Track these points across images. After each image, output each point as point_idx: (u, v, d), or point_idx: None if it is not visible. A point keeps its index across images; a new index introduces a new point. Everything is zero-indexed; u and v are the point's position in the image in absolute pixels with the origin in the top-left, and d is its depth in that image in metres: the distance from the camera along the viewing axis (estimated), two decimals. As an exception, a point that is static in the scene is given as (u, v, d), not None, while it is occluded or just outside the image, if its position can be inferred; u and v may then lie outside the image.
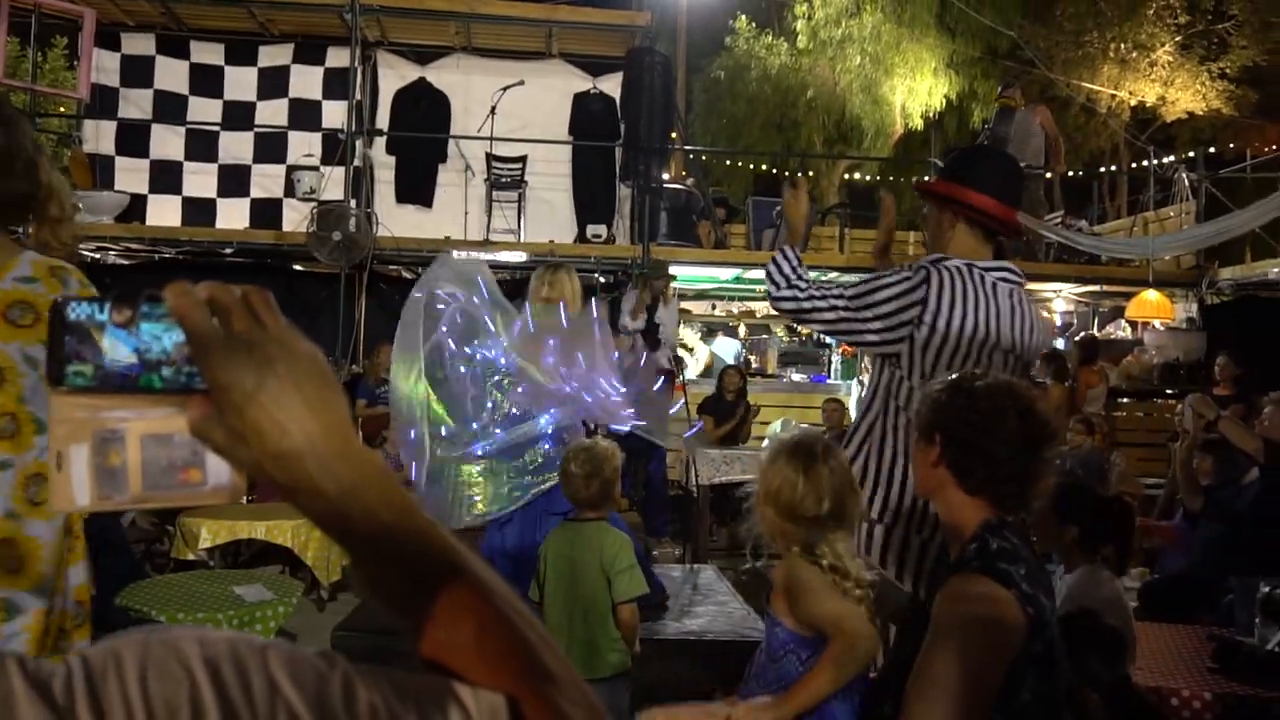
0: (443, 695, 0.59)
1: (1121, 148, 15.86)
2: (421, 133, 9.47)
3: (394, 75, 9.77)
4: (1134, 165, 14.60)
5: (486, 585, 0.64)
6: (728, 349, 12.72)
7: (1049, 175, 10.21)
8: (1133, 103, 14.93)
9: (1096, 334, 10.73)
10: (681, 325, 10.43)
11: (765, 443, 8.57)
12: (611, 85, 9.67)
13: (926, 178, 11.08)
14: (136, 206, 9.22)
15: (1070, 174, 12.50)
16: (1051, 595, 1.70)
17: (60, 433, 0.64)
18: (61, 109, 11.58)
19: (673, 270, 8.39)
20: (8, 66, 7.16)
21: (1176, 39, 14.39)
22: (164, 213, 9.39)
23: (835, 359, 12.32)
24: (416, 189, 9.60)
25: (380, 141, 9.58)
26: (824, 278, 9.91)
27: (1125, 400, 9.45)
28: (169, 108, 9.51)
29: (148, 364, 0.62)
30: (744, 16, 16.98)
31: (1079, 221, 10.78)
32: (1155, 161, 11.77)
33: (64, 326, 0.61)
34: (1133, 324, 10.58)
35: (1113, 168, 15.52)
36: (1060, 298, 11.32)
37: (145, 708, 0.51)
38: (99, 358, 0.61)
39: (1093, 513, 3.12)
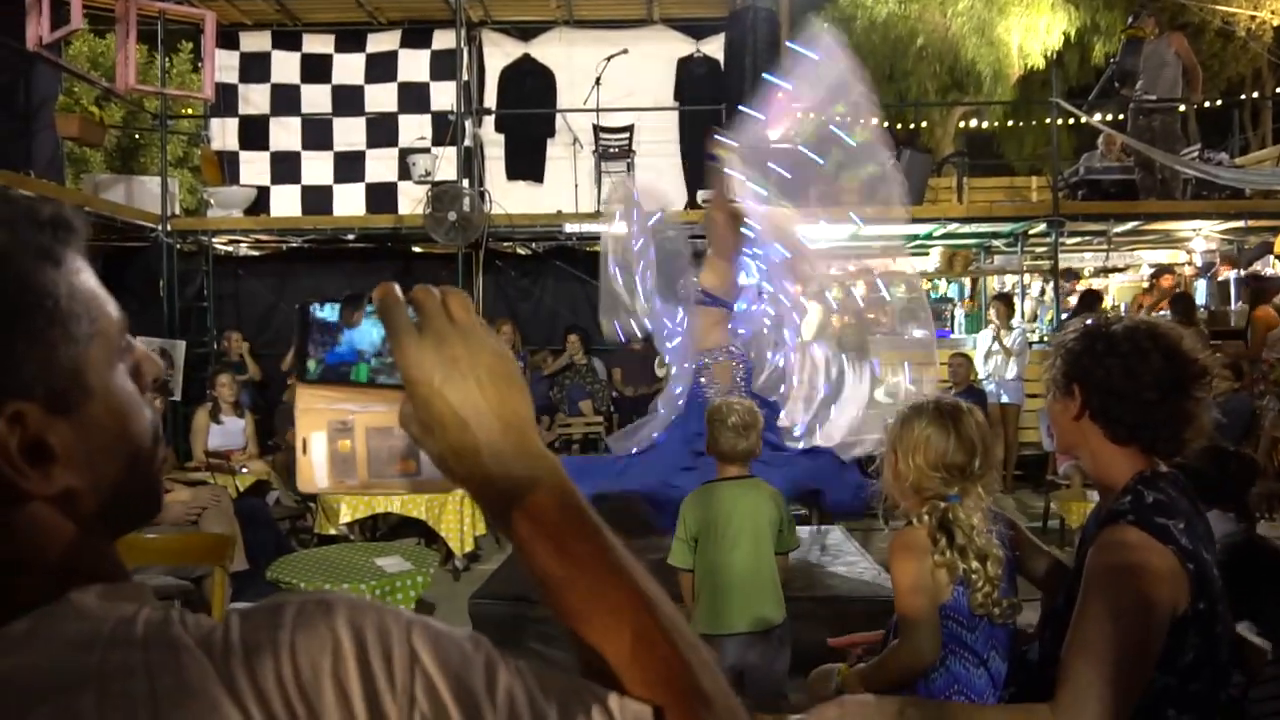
0: (588, 698, 0.60)
1: (1264, 72, 14.80)
2: (528, 109, 9.54)
3: (499, 53, 9.87)
4: (1279, 90, 13.61)
5: (650, 599, 0.65)
6: None
7: (1183, 108, 9.62)
8: (1275, 23, 13.88)
9: (1244, 271, 10.12)
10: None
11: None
12: (715, 47, 9.54)
13: (1048, 120, 10.59)
14: (261, 198, 9.60)
15: (1208, 104, 11.74)
16: (1213, 547, 1.59)
17: (305, 421, 0.73)
18: (189, 109, 12.09)
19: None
20: (139, 72, 7.52)
21: (1323, -52, 13.31)
22: (285, 202, 9.74)
23: (959, 313, 11.93)
24: (526, 165, 9.70)
25: (489, 120, 9.71)
26: (940, 230, 9.71)
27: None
28: (283, 99, 9.84)
29: (360, 358, 0.70)
30: (848, -35, 16.45)
31: (1219, 154, 10.13)
32: (1303, 84, 10.96)
33: (308, 325, 0.70)
34: (1283, 260, 9.95)
35: (1255, 94, 14.50)
36: (1200, 236, 10.70)
37: (292, 664, 0.55)
38: (328, 354, 0.70)
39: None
